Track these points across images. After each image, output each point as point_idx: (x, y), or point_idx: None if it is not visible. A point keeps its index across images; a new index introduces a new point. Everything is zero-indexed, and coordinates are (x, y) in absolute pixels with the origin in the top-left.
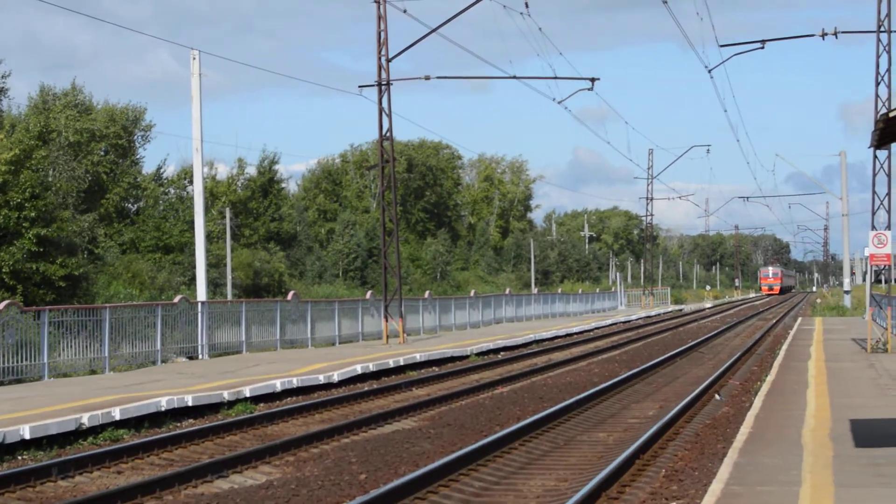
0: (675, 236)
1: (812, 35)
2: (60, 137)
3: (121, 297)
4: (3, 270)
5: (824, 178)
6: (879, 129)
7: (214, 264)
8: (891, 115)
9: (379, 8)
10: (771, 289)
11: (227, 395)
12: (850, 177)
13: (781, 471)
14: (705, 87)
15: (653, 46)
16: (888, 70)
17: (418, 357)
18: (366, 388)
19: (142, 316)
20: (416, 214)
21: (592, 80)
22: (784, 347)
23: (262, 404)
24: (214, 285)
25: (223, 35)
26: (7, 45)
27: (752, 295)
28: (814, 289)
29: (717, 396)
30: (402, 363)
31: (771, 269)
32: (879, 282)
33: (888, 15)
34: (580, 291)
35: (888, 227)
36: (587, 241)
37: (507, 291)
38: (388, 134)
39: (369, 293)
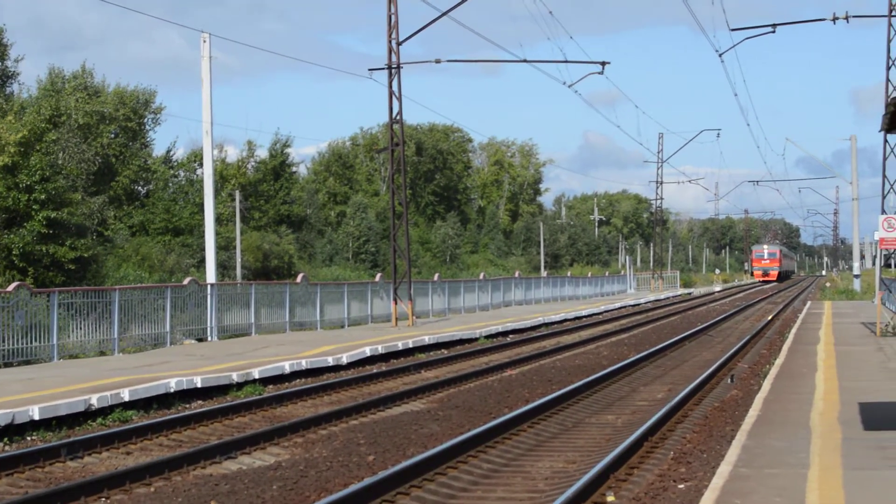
0: (685, 220)
1: (823, 19)
2: (70, 120)
3: (130, 279)
4: (13, 252)
5: (835, 162)
6: (890, 113)
7: (224, 247)
8: None
9: None
10: (766, 274)
11: (235, 377)
12: (861, 161)
13: (790, 453)
14: (716, 71)
15: (663, 30)
16: None
17: (427, 339)
18: (374, 371)
19: (151, 298)
20: (425, 198)
21: (603, 63)
22: (793, 331)
23: (270, 386)
24: (224, 268)
25: (233, 16)
26: (13, 26)
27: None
28: (823, 272)
29: (728, 381)
30: (410, 346)
31: (766, 249)
32: (889, 266)
33: None
34: (589, 275)
35: None
36: (597, 224)
37: (517, 274)
38: (398, 117)
39: (379, 276)
